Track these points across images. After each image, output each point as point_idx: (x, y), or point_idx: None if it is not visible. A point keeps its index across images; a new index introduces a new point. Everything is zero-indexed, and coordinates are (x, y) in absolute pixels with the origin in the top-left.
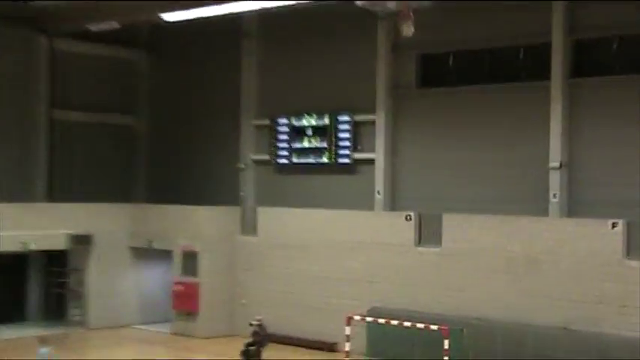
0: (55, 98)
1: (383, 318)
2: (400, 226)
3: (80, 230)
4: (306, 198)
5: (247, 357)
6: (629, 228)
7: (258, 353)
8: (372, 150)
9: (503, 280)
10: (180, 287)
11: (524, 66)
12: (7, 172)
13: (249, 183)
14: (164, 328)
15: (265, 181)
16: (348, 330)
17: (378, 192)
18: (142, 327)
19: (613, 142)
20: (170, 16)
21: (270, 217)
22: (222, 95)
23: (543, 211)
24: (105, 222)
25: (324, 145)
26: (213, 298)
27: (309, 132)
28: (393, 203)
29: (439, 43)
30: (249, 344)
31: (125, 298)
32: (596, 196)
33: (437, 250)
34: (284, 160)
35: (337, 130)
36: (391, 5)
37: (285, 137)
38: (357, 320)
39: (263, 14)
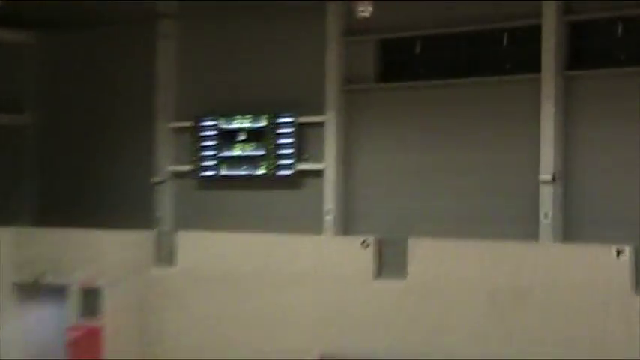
0: None
1: None
2: (356, 254)
3: None
4: (238, 219)
5: None
6: (637, 256)
7: None
8: (321, 159)
9: (483, 319)
10: (78, 333)
11: (509, 55)
12: None
13: (166, 201)
14: None
15: (187, 198)
16: None
17: (328, 211)
18: None
19: (618, 149)
20: None
21: (192, 243)
22: (134, 90)
23: (533, 235)
24: None
25: (261, 153)
26: (120, 346)
27: (242, 137)
28: (347, 225)
29: (404, 25)
30: None
31: (6, 348)
32: (598, 216)
33: (401, 283)
34: (210, 172)
35: (277, 135)
36: None
37: (211, 143)
38: None
39: None
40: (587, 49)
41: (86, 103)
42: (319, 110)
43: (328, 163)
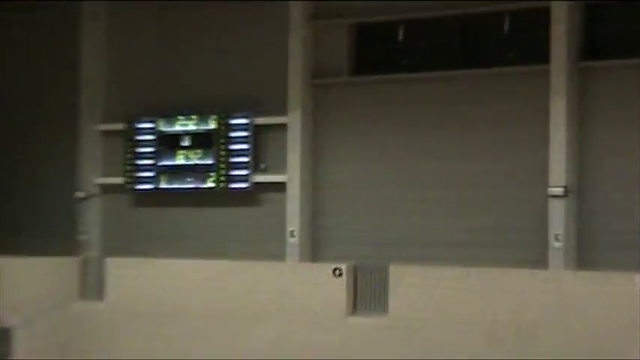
0: None
1: None
2: (326, 285)
3: None
4: (183, 243)
5: None
6: None
7: None
8: (283, 169)
9: None
10: None
11: (512, 42)
12: None
13: (93, 220)
14: None
15: (119, 217)
16: None
17: (292, 232)
18: None
19: None
20: None
21: (125, 273)
22: (54, 85)
23: (541, 261)
24: None
25: (210, 161)
26: None
27: (186, 142)
28: (315, 249)
29: (383, 7)
30: None
31: None
32: (618, 238)
33: (382, 320)
34: (147, 185)
35: (229, 140)
36: None
37: (149, 150)
38: None
39: None
40: (604, 37)
41: None
42: (281, 110)
43: (292, 175)
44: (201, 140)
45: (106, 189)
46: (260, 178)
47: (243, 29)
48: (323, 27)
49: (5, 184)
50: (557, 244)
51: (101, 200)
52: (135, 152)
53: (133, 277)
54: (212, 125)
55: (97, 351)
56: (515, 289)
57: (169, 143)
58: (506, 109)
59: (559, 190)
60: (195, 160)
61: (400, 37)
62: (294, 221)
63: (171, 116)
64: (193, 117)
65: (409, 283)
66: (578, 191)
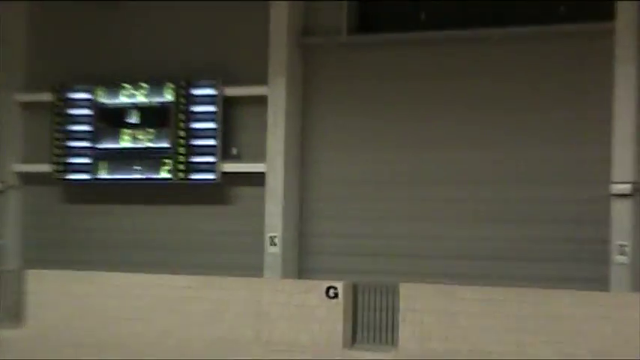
0: None
1: None
2: (317, 308)
3: None
4: (127, 251)
5: None
6: None
7: None
8: (261, 156)
9: None
10: None
11: None
12: None
13: (10, 221)
14: None
15: (44, 216)
16: None
17: (273, 239)
18: None
19: None
20: None
21: (51, 290)
22: None
23: (600, 280)
24: None
25: (164, 144)
26: None
27: (134, 118)
28: (303, 261)
29: None
30: None
31: None
32: None
33: (389, 355)
34: (82, 175)
35: (190, 117)
36: None
37: (84, 129)
38: None
39: None
40: None
41: None
42: (259, 78)
43: (273, 163)
44: (153, 116)
45: (28, 179)
46: (231, 167)
47: None
48: None
49: None
50: (621, 259)
51: (21, 194)
52: (66, 131)
53: (61, 296)
54: (168, 97)
55: None
56: (565, 317)
57: (111, 120)
58: (554, 80)
59: (625, 188)
60: (145, 143)
61: None
62: (275, 224)
63: (114, 85)
64: (143, 86)
65: (424, 308)
66: None
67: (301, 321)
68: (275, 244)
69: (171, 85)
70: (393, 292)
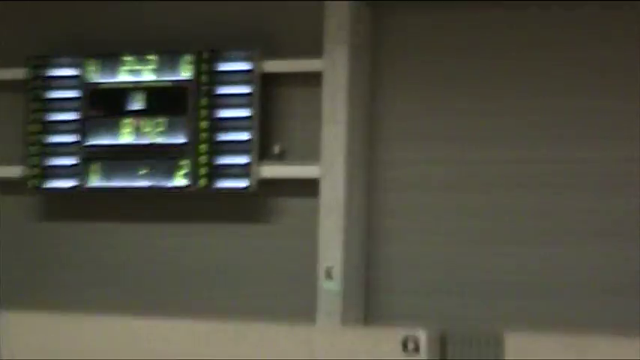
0: None
1: None
2: None
3: None
4: (128, 286)
5: None
6: None
7: None
8: (313, 155)
9: None
10: None
11: None
12: None
13: None
14: None
15: (13, 238)
16: None
17: (329, 271)
18: None
19: None
20: None
21: (24, 337)
22: None
23: None
24: None
25: (179, 139)
26: None
27: (138, 103)
28: (370, 302)
29: None
30: None
31: None
32: None
33: None
34: (66, 182)
35: (216, 101)
36: None
37: (68, 118)
38: None
39: None
40: None
41: None
42: (311, 48)
43: (329, 165)
44: (165, 101)
45: None
46: (272, 170)
47: None
48: None
49: None
50: None
51: None
52: (44, 122)
53: (37, 345)
54: (186, 73)
55: None
56: None
57: (107, 106)
58: None
59: None
60: (154, 138)
61: None
62: (332, 250)
63: (110, 57)
64: (151, 58)
65: None
66: None
67: None
68: (332, 278)
69: (190, 58)
70: (495, 344)
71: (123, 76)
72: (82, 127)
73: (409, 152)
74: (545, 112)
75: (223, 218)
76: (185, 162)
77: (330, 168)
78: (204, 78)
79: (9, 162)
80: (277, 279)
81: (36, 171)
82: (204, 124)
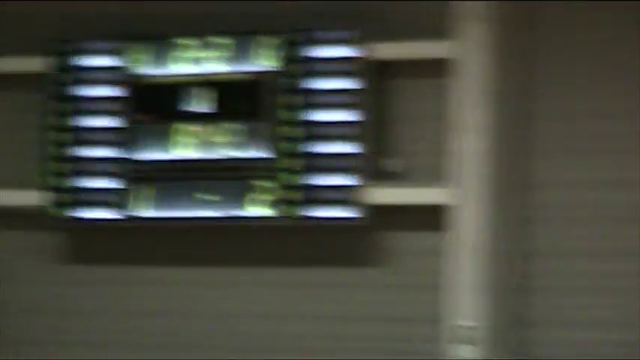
0: None
1: None
2: None
3: None
4: (193, 354)
5: None
6: None
7: None
8: (440, 173)
9: None
10: None
11: None
12: None
13: None
14: None
15: (29, 286)
16: None
17: (465, 332)
18: None
19: None
20: None
21: None
22: None
23: None
24: None
25: (257, 153)
26: None
27: (198, 105)
28: None
29: None
30: None
31: None
32: None
33: None
34: (101, 212)
35: (307, 100)
36: None
37: (104, 124)
38: None
39: None
40: None
41: None
42: (433, 28)
43: (462, 187)
44: (238, 101)
45: (1, 218)
46: (386, 195)
47: None
48: None
49: None
50: None
51: None
52: (72, 129)
53: None
54: (264, 62)
55: None
56: None
57: (159, 107)
58: None
59: None
60: (222, 151)
61: None
62: (469, 303)
63: (161, 42)
64: (218, 42)
65: None
66: None
67: None
68: (470, 342)
69: (273, 41)
70: None
71: (180, 67)
72: (124, 136)
73: (573, 170)
74: None
75: (320, 260)
76: (267, 184)
77: (464, 191)
78: (292, 68)
79: (24, 185)
80: (393, 342)
81: (61, 197)
82: (292, 132)
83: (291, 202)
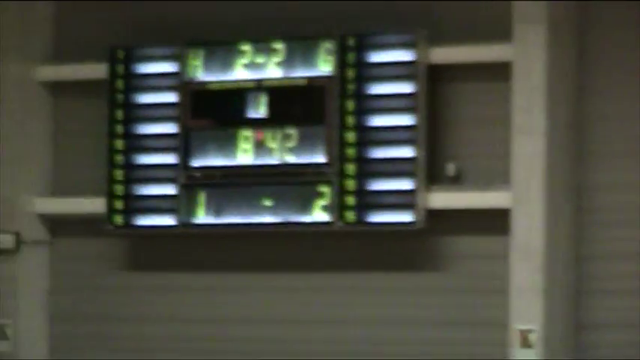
0: None
1: None
2: None
3: None
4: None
5: None
6: None
7: None
8: (501, 177)
9: None
10: None
11: None
12: None
13: (25, 302)
14: None
15: (88, 294)
16: None
17: (526, 336)
18: None
19: None
20: None
21: None
22: None
23: None
24: None
25: (317, 159)
26: None
27: (258, 109)
28: None
29: None
30: None
31: None
32: None
33: None
34: (162, 219)
35: (366, 104)
36: None
37: (164, 131)
38: None
39: None
40: None
41: None
42: (495, 30)
43: (524, 191)
44: (297, 106)
45: (59, 226)
46: (445, 199)
47: None
48: None
49: None
50: None
51: (46, 254)
52: (131, 136)
53: None
54: (324, 68)
55: None
56: None
57: (217, 113)
58: None
59: None
60: (282, 156)
61: None
62: (529, 308)
63: (220, 46)
64: (276, 47)
65: None
66: None
67: None
68: (530, 346)
69: (331, 45)
70: None
71: (238, 73)
72: (182, 142)
73: (629, 172)
74: None
75: (379, 264)
76: (325, 189)
77: (524, 195)
78: (350, 73)
79: (82, 193)
80: (454, 346)
81: (120, 204)
82: (350, 137)
83: (349, 207)
